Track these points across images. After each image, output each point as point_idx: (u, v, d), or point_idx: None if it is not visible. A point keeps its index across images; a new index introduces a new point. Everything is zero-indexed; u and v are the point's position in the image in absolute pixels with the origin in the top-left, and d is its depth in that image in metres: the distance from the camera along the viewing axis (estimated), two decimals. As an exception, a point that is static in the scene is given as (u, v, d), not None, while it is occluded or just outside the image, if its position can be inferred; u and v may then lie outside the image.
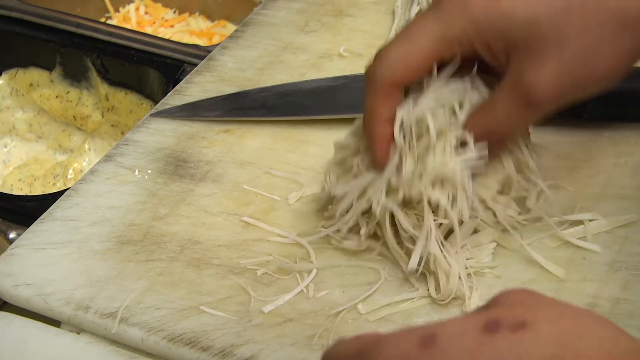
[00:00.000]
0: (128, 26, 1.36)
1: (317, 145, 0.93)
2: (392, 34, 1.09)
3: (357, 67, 1.06)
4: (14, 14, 1.21)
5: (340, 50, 1.09)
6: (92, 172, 0.98)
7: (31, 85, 1.22)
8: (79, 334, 0.86)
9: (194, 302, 0.85)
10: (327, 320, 0.83)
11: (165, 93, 1.06)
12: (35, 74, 1.22)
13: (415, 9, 1.09)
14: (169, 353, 0.83)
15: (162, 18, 1.40)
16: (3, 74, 1.22)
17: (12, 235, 0.96)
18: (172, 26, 1.37)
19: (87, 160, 1.11)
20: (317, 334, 0.81)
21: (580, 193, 0.93)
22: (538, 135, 0.92)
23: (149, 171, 0.97)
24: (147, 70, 1.17)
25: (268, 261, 0.89)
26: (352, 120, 0.92)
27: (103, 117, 1.20)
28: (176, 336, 0.83)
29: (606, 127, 0.99)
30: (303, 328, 0.82)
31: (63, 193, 0.96)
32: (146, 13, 1.40)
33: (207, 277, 0.87)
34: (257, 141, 1.00)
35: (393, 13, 1.11)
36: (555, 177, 0.95)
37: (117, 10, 1.39)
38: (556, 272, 0.84)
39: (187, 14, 1.40)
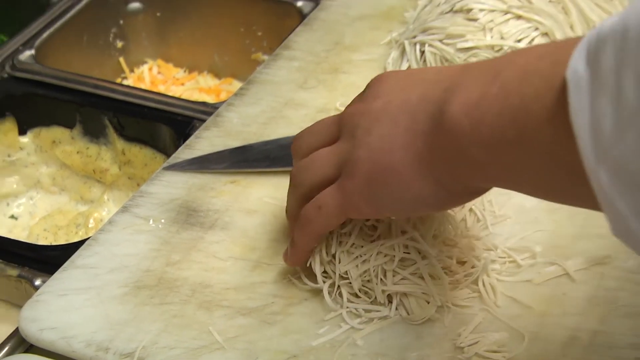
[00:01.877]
0: (142, 86, 1.36)
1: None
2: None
3: None
4: (36, 77, 1.22)
5: (337, 105, 1.10)
6: (110, 222, 0.99)
7: (54, 142, 1.22)
8: (102, 375, 0.86)
9: (205, 342, 0.85)
10: (327, 354, 0.83)
11: (176, 147, 1.06)
12: (57, 132, 1.22)
13: (405, 65, 1.09)
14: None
15: (174, 77, 1.40)
16: (28, 133, 1.22)
17: (37, 282, 0.96)
18: (182, 84, 1.38)
19: (106, 210, 1.11)
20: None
21: (560, 233, 0.94)
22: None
23: (163, 220, 0.98)
24: (160, 127, 1.17)
25: (273, 302, 0.89)
26: None
27: (120, 170, 1.21)
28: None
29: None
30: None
31: (84, 242, 0.96)
32: (159, 73, 1.40)
33: (217, 318, 0.87)
34: (262, 191, 1.00)
35: (384, 69, 1.11)
36: (536, 219, 0.96)
37: (132, 70, 1.40)
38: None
39: (196, 73, 1.40)
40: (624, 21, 0.54)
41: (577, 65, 0.56)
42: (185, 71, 1.41)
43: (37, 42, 1.28)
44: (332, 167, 0.84)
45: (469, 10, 1.09)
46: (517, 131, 0.67)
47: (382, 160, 0.80)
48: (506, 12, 1.08)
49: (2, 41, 1.27)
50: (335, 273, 0.88)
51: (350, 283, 0.88)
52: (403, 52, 1.10)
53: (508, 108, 0.67)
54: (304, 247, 0.90)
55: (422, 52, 1.07)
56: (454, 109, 0.72)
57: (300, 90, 1.12)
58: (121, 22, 1.39)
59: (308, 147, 0.89)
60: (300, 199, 0.88)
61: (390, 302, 0.88)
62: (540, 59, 0.67)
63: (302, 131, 0.92)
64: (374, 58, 1.14)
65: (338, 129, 0.86)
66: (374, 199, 0.82)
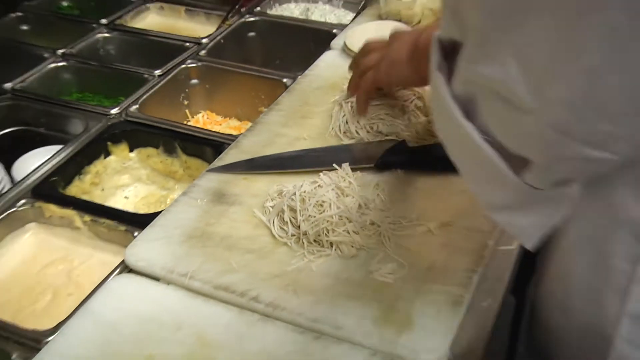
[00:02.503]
0: (198, 125, 1.35)
1: (292, 184, 0.91)
2: (330, 128, 1.08)
3: (314, 144, 1.06)
4: (139, 120, 1.22)
5: (304, 136, 1.08)
6: (176, 201, 0.97)
7: (148, 156, 1.22)
8: (168, 285, 0.84)
9: (227, 268, 0.84)
10: (295, 274, 0.82)
11: (214, 159, 1.05)
12: (150, 150, 1.22)
13: (341, 114, 1.07)
14: (214, 294, 0.81)
15: (215, 120, 1.39)
16: (134, 151, 1.22)
17: (135, 233, 0.94)
18: (220, 124, 1.37)
19: (175, 194, 1.09)
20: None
21: (429, 207, 0.93)
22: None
23: (205, 200, 0.96)
24: (206, 148, 1.16)
25: (266, 246, 0.88)
26: (313, 171, 0.96)
27: (184, 172, 1.20)
28: (218, 285, 0.82)
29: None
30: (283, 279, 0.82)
31: (161, 212, 0.95)
32: (207, 118, 1.39)
33: (234, 255, 0.87)
34: (261, 184, 0.98)
35: (331, 117, 1.10)
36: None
37: (192, 117, 1.39)
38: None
39: (227, 118, 1.39)
40: None
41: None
42: (221, 117, 1.40)
43: (140, 100, 1.26)
44: (375, 60, 1.02)
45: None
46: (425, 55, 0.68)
47: (395, 58, 0.98)
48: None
49: (122, 100, 1.24)
50: (300, 231, 0.86)
51: (308, 236, 0.86)
52: (340, 107, 1.08)
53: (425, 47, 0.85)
54: (362, 90, 1.05)
55: (351, 106, 1.06)
56: (421, 39, 0.92)
57: (283, 128, 1.10)
58: (187, 90, 1.38)
59: (366, 50, 1.06)
60: (359, 73, 1.05)
61: (331, 246, 0.86)
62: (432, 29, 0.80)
63: (365, 45, 1.07)
64: (325, 110, 1.13)
65: (379, 48, 1.03)
66: (389, 75, 1.00)
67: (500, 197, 0.56)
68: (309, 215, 0.86)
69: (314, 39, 1.38)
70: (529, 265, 0.95)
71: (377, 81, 1.02)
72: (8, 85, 1.32)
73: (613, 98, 0.44)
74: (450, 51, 0.55)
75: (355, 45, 1.21)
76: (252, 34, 1.52)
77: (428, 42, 0.67)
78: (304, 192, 0.89)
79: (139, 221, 0.98)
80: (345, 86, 1.10)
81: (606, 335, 0.63)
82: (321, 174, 0.94)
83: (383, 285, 0.81)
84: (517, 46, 0.46)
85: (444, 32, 0.55)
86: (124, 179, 1.21)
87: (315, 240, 0.86)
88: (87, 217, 1.03)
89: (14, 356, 0.80)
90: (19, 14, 1.59)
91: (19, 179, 1.11)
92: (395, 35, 1.00)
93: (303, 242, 0.86)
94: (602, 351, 0.64)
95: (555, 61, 0.44)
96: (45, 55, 1.43)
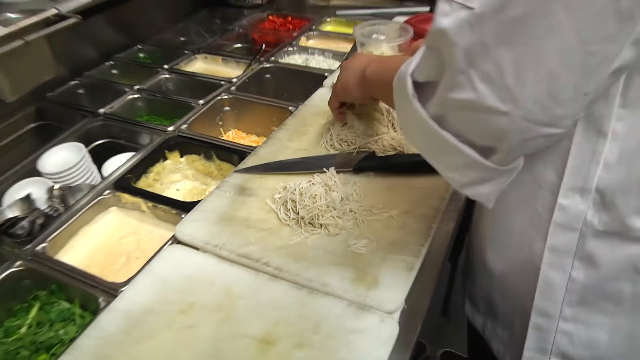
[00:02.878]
0: (228, 139, 1.32)
1: (293, 182, 0.88)
2: (322, 142, 1.04)
3: (310, 154, 1.02)
4: (187, 135, 1.19)
5: (303, 147, 1.04)
6: (211, 194, 0.94)
7: (193, 160, 1.19)
8: (205, 253, 0.82)
9: (246, 242, 0.81)
10: (295, 247, 0.78)
11: (239, 163, 1.01)
12: (194, 157, 1.19)
13: (329, 133, 1.04)
14: (237, 260, 0.78)
15: (241, 136, 1.35)
16: (184, 157, 1.19)
17: (183, 216, 0.91)
18: (244, 139, 1.33)
19: (212, 188, 1.05)
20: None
21: (392, 199, 0.90)
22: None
23: (231, 192, 0.93)
24: (233, 155, 1.13)
25: (274, 226, 0.85)
26: (309, 173, 0.93)
27: (218, 172, 1.17)
28: (240, 254, 0.79)
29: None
30: (286, 250, 0.77)
31: (200, 201, 0.92)
32: (235, 134, 1.36)
33: (251, 232, 0.84)
34: (272, 181, 0.95)
35: (322, 135, 1.06)
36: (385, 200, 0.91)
37: (225, 133, 1.35)
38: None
39: (250, 134, 1.36)
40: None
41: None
42: (245, 134, 1.37)
43: (189, 121, 1.23)
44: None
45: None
46: (382, 82, 0.77)
47: (345, 84, 0.93)
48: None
49: (176, 121, 1.22)
50: (298, 216, 0.84)
51: (304, 219, 0.83)
52: (328, 128, 1.06)
53: (381, 74, 0.82)
54: (331, 107, 1.02)
55: (337, 126, 1.03)
56: (367, 71, 0.86)
57: (289, 141, 1.07)
58: (221, 114, 1.35)
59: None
60: (334, 98, 1.00)
61: (321, 227, 0.83)
62: (393, 62, 0.81)
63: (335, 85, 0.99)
64: (318, 129, 1.10)
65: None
66: (343, 96, 0.96)
67: (471, 177, 0.55)
68: (305, 205, 0.84)
69: (311, 80, 1.35)
70: (460, 240, 0.93)
71: (336, 100, 1.00)
72: (101, 110, 1.32)
73: (565, 90, 0.47)
74: (420, 83, 0.55)
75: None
76: (268, 75, 1.49)
77: (373, 74, 0.85)
78: (302, 187, 0.86)
79: (186, 207, 0.95)
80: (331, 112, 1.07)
81: (535, 266, 0.64)
82: (315, 175, 0.91)
83: (358, 255, 0.79)
84: (485, 73, 0.47)
85: (422, 75, 0.55)
86: (176, 177, 1.18)
87: (309, 223, 0.84)
88: (150, 204, 1.01)
89: (100, 299, 0.81)
90: (111, 62, 1.60)
91: (105, 176, 1.11)
92: (344, 65, 0.96)
93: (301, 224, 0.84)
94: (533, 279, 0.65)
95: (522, 75, 0.46)
96: (126, 89, 1.42)
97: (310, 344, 0.68)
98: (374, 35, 1.29)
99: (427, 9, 1.70)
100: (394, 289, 0.73)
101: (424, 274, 0.78)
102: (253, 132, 1.35)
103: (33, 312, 0.84)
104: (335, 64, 1.47)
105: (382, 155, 0.97)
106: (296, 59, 1.53)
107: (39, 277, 0.86)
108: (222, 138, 1.31)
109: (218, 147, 1.16)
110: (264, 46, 1.52)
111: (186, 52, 1.61)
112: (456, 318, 1.63)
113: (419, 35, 1.38)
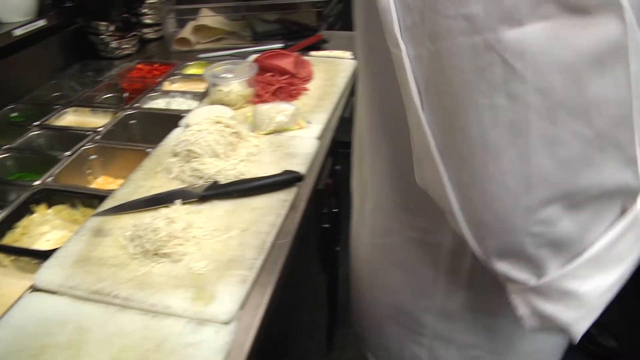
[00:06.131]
0: (97, 186, 1.32)
1: (143, 219, 0.90)
2: (173, 178, 1.08)
3: (163, 190, 1.04)
4: (52, 187, 1.17)
5: (157, 185, 1.07)
6: (70, 239, 0.94)
7: (59, 211, 1.19)
8: (62, 296, 0.83)
9: (99, 278, 0.82)
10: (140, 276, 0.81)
11: (96, 208, 1.02)
12: (60, 207, 1.19)
13: (176, 168, 1.08)
14: (90, 297, 0.80)
15: (110, 182, 1.35)
16: (52, 208, 1.18)
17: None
18: (111, 184, 1.33)
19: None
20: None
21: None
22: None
23: (88, 235, 0.94)
24: (95, 200, 1.12)
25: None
26: (159, 207, 0.93)
27: (83, 218, 1.15)
28: (93, 290, 0.80)
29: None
30: (134, 281, 0.80)
31: (59, 248, 0.92)
32: (104, 180, 1.36)
33: (105, 270, 0.84)
34: (127, 219, 0.98)
35: (173, 171, 1.09)
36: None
37: (95, 180, 1.35)
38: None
39: (118, 179, 1.35)
40: None
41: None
42: (113, 179, 1.36)
43: (54, 173, 1.22)
44: None
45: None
46: None
47: None
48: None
49: (43, 175, 1.19)
50: (145, 249, 0.89)
51: (149, 251, 0.88)
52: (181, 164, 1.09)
53: None
54: None
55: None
56: None
57: (143, 181, 1.09)
58: (88, 163, 1.35)
59: None
60: None
61: (165, 256, 0.87)
62: None
63: None
64: (171, 167, 1.12)
65: None
66: None
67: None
68: (149, 238, 0.88)
69: (170, 121, 1.38)
70: (333, 249, 0.98)
71: None
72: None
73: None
74: None
75: (191, 120, 1.24)
76: (133, 121, 1.51)
77: None
78: (146, 223, 0.91)
79: (46, 255, 0.94)
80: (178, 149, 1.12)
81: None
82: (161, 209, 0.95)
83: (198, 276, 0.84)
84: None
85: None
86: (45, 228, 1.16)
87: (155, 254, 0.88)
88: (12, 257, 1.00)
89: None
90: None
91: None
92: None
93: (148, 256, 0.88)
94: None
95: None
96: (-6, 150, 1.39)
97: (152, 362, 0.72)
98: (222, 75, 1.36)
99: (282, 45, 1.79)
100: (228, 301, 0.79)
101: (261, 284, 0.84)
102: (121, 176, 1.35)
103: None
104: (194, 104, 1.53)
105: (223, 183, 1.03)
106: (159, 103, 1.57)
107: None
108: (91, 186, 1.32)
109: (84, 195, 1.16)
110: (127, 94, 1.54)
111: (57, 106, 1.60)
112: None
113: (265, 69, 1.47)
